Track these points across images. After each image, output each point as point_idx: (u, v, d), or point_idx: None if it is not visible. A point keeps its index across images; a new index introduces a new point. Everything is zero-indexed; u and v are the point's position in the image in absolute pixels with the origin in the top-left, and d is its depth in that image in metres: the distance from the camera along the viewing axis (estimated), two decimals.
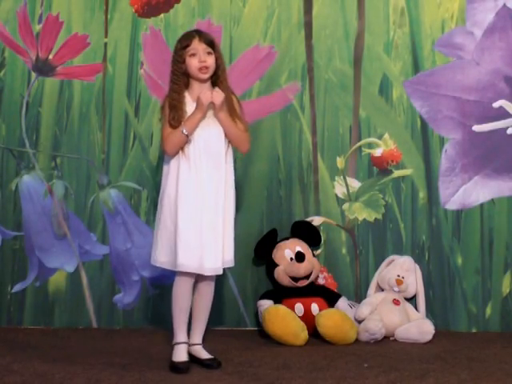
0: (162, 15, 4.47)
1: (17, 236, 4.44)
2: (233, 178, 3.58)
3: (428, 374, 3.42)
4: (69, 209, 4.44)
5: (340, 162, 4.43)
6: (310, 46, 4.46)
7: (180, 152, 3.51)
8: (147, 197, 4.44)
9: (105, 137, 4.46)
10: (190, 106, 3.53)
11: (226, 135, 3.55)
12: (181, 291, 3.54)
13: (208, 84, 3.57)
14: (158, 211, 3.58)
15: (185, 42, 3.54)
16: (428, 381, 3.31)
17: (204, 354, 3.57)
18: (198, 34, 3.57)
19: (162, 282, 4.41)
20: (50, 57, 4.46)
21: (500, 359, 3.70)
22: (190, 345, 3.58)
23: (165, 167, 3.59)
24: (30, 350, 3.86)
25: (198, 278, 3.55)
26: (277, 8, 4.47)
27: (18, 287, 4.44)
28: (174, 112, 3.51)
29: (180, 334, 3.57)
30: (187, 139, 3.48)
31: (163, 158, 4.43)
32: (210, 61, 3.52)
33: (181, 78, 3.55)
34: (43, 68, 4.46)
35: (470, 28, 4.40)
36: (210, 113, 3.53)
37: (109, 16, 4.48)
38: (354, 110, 4.45)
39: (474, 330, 4.35)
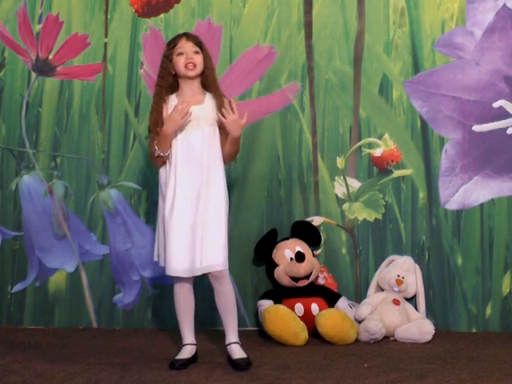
0: (161, 15, 4.47)
1: (17, 236, 4.44)
2: (222, 181, 3.53)
3: (428, 373, 3.42)
4: (69, 209, 4.44)
5: (340, 162, 4.43)
6: (310, 46, 4.46)
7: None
8: (147, 197, 4.44)
9: (105, 137, 4.46)
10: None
11: (223, 147, 3.55)
12: (178, 294, 3.57)
13: (197, 85, 3.57)
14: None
15: (172, 42, 3.58)
16: (428, 381, 3.31)
17: (236, 354, 3.53)
18: (186, 34, 3.61)
19: (162, 282, 4.41)
20: (50, 57, 4.46)
21: (500, 359, 3.70)
22: (226, 345, 3.58)
23: (160, 169, 3.59)
24: (29, 349, 3.86)
25: (211, 279, 3.53)
26: (277, 8, 4.47)
27: (18, 287, 4.44)
28: (153, 115, 3.52)
29: (185, 337, 3.60)
30: (165, 156, 3.50)
31: None
32: (198, 59, 3.53)
33: (165, 79, 3.55)
34: (43, 68, 4.46)
35: (470, 28, 4.40)
36: (195, 111, 3.50)
37: (109, 16, 4.48)
38: (354, 109, 4.45)
39: (474, 330, 4.34)
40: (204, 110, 3.53)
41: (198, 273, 3.47)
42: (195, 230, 3.45)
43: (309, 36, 4.46)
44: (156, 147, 3.50)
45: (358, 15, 4.46)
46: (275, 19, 4.47)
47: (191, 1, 4.48)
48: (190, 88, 3.56)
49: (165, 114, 3.51)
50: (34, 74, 4.47)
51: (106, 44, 4.47)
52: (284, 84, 4.45)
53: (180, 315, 3.58)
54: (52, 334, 4.24)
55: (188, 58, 3.50)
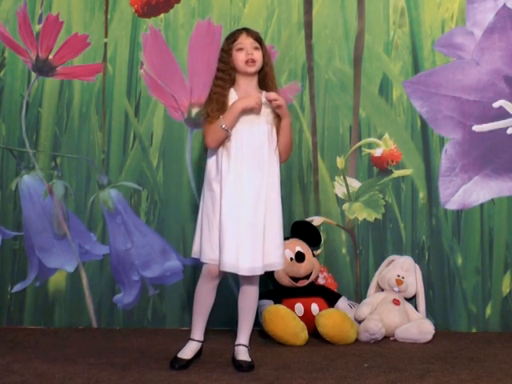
0: (161, 15, 4.47)
1: (17, 236, 4.44)
2: (277, 179, 3.53)
3: (428, 373, 3.42)
4: (69, 209, 4.44)
5: (340, 162, 4.43)
6: (310, 46, 4.46)
7: (221, 148, 3.48)
8: (147, 197, 4.44)
9: (105, 137, 4.46)
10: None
11: (278, 139, 3.54)
12: (202, 290, 3.54)
13: (255, 82, 3.55)
14: (201, 205, 3.55)
15: (232, 37, 3.55)
16: (428, 381, 3.31)
17: (241, 356, 3.53)
18: (246, 29, 3.58)
19: (162, 282, 4.41)
20: (50, 57, 4.46)
21: (500, 359, 3.70)
22: (234, 345, 3.59)
23: (208, 162, 3.54)
24: (29, 349, 3.86)
25: (241, 280, 3.55)
26: (277, 8, 4.47)
27: (18, 287, 4.44)
28: (214, 105, 3.48)
29: (194, 331, 3.58)
30: (227, 134, 3.46)
31: (164, 156, 4.45)
32: (257, 55, 3.50)
33: (227, 73, 3.52)
34: (43, 68, 4.46)
35: (470, 28, 4.40)
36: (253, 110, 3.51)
37: (109, 16, 4.48)
38: (354, 109, 4.45)
39: (474, 330, 4.35)
40: (263, 107, 3.51)
41: (260, 272, 3.46)
42: (255, 227, 3.43)
43: (309, 36, 4.46)
44: (223, 121, 3.43)
45: (358, 15, 4.46)
46: (275, 19, 4.47)
47: (191, 1, 4.48)
48: (248, 84, 3.53)
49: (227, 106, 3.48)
50: (34, 74, 4.46)
51: (105, 44, 4.47)
52: (284, 84, 4.45)
53: (196, 310, 3.56)
54: (52, 334, 4.24)
55: (248, 54, 3.48)
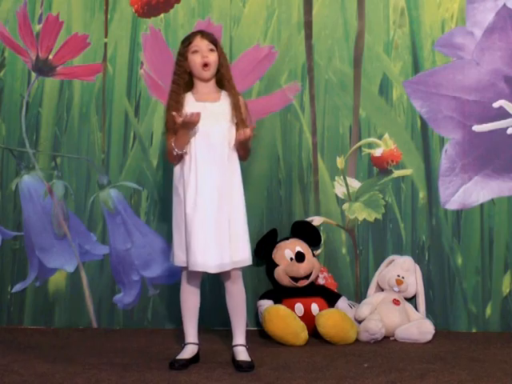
0: (162, 15, 4.47)
1: (17, 236, 4.44)
2: (238, 176, 3.55)
3: (428, 373, 3.42)
4: (69, 209, 4.44)
5: (340, 162, 4.43)
6: (310, 46, 4.46)
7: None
8: (147, 197, 4.44)
9: (105, 137, 4.46)
10: (192, 106, 3.50)
11: (236, 145, 3.54)
12: (185, 293, 3.58)
13: (212, 83, 3.57)
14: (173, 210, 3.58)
15: (187, 40, 3.57)
16: (428, 381, 3.31)
17: (241, 356, 3.53)
18: (201, 32, 3.60)
19: (162, 282, 4.41)
20: (50, 57, 4.46)
21: (500, 359, 3.70)
22: (232, 346, 3.59)
23: (175, 169, 3.57)
24: (29, 350, 3.86)
25: (223, 280, 3.56)
26: (277, 8, 4.47)
27: (18, 287, 4.44)
28: (169, 113, 3.51)
29: (188, 335, 3.60)
30: (183, 153, 3.48)
31: (164, 156, 4.45)
32: (213, 57, 3.52)
33: (182, 77, 3.55)
34: (43, 68, 4.46)
35: (470, 28, 4.40)
36: (212, 108, 3.51)
37: (109, 16, 4.48)
38: (354, 109, 4.45)
39: (474, 330, 4.34)
40: (221, 107, 3.53)
41: (228, 268, 3.46)
42: (220, 225, 3.44)
43: (309, 36, 4.46)
44: (173, 145, 3.48)
45: (357, 15, 4.46)
46: (275, 19, 4.47)
47: (191, 1, 4.48)
48: (206, 86, 3.56)
49: (183, 112, 3.48)
50: (33, 74, 4.47)
51: (106, 44, 4.47)
52: (284, 84, 4.45)
53: (184, 314, 3.59)
54: (52, 334, 4.24)
55: (203, 57, 3.50)
